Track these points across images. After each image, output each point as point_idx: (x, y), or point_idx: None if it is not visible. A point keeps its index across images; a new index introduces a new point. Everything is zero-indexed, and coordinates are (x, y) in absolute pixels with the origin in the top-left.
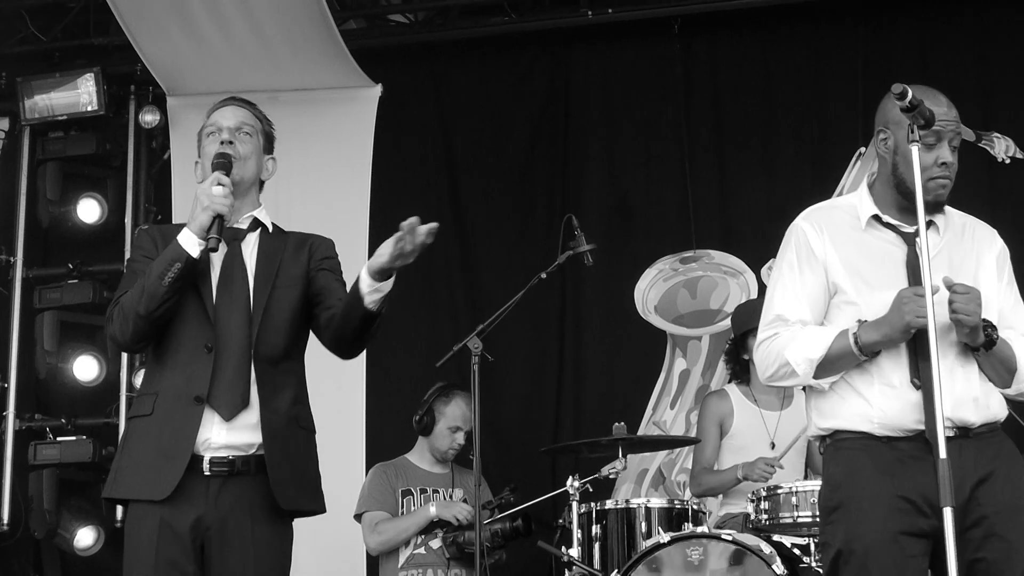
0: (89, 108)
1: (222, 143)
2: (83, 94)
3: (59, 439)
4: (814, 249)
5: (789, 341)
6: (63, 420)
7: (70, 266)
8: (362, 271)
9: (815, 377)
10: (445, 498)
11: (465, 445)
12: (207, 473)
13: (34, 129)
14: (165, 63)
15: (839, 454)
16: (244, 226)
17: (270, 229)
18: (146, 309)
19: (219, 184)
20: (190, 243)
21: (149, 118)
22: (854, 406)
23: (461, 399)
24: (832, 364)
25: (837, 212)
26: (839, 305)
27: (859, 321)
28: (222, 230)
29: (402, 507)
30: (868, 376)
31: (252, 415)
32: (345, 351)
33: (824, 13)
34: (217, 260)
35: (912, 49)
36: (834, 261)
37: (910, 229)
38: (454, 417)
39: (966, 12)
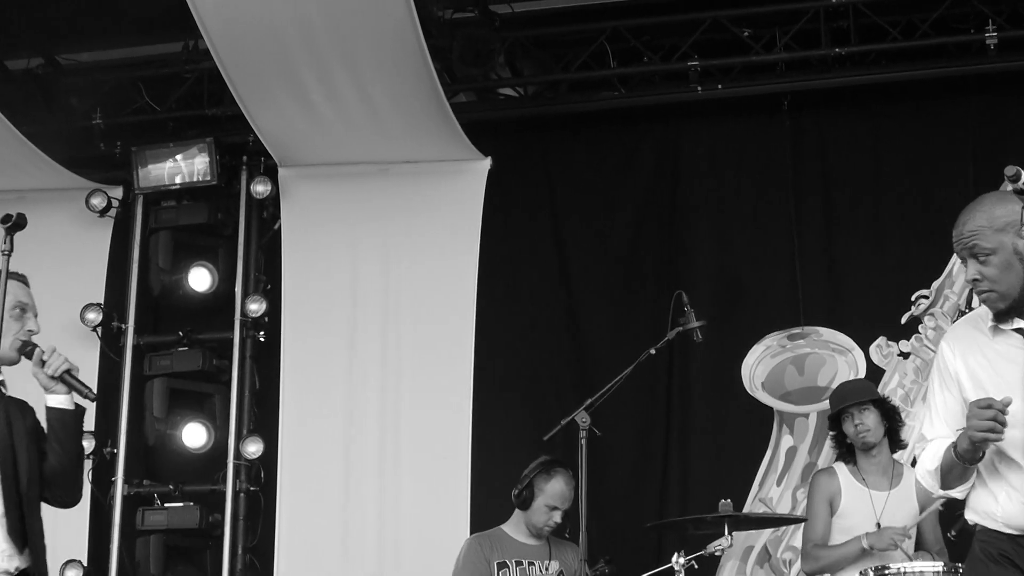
0: (202, 178)
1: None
2: (196, 164)
3: (167, 505)
4: (949, 368)
5: (922, 455)
6: (171, 486)
7: (180, 334)
8: None
9: (943, 487)
10: (541, 571)
11: (562, 523)
12: None
13: (147, 198)
14: (277, 134)
15: (974, 545)
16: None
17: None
18: None
19: None
20: None
21: (261, 188)
22: (986, 503)
23: (562, 477)
24: (948, 473)
25: (971, 325)
26: None
27: (960, 430)
28: None
29: None
30: (998, 476)
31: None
32: None
33: (935, 90)
34: None
35: None
36: (964, 376)
37: None
38: (553, 495)
39: None
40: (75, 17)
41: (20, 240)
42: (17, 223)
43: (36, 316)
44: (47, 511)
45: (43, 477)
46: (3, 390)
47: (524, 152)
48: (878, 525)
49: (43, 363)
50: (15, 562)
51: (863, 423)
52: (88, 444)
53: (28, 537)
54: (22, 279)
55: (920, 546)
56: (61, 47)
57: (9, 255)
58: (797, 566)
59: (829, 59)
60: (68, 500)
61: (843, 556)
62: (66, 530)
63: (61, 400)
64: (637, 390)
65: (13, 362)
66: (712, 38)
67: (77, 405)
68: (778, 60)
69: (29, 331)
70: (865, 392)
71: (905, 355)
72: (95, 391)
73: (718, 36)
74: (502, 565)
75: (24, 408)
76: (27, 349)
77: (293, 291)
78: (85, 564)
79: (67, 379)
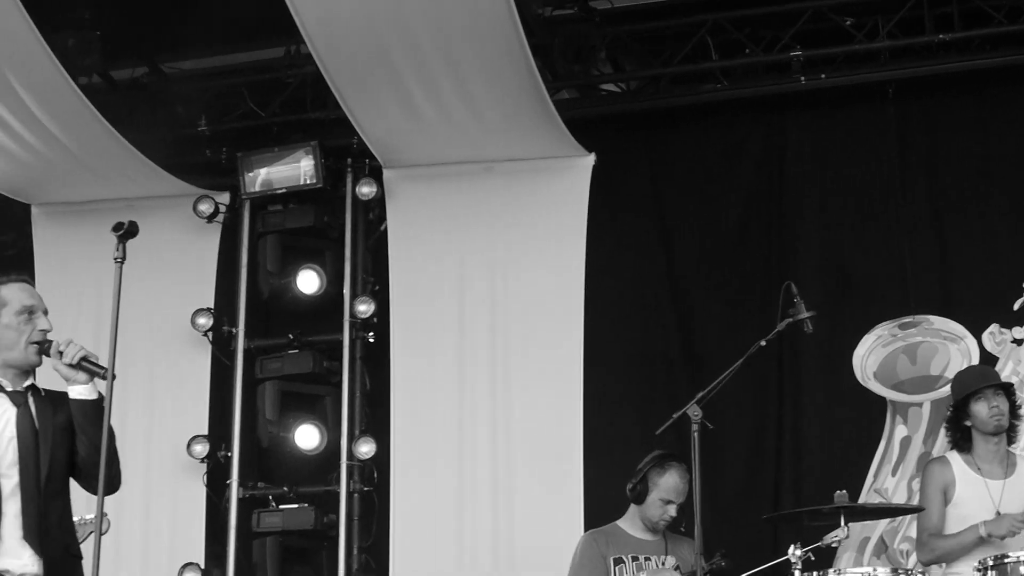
0: (307, 181)
1: None
2: (301, 167)
3: (281, 507)
4: None
5: None
6: (285, 488)
7: (290, 336)
8: None
9: None
10: (657, 565)
11: (677, 517)
12: None
13: (254, 203)
14: (381, 136)
15: None
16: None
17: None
18: None
19: None
20: None
21: (366, 190)
22: None
23: (676, 471)
24: None
25: None
26: None
27: None
28: None
29: (614, 575)
30: None
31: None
32: None
33: None
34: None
35: None
36: None
37: None
38: (667, 489)
39: None
40: (178, 25)
41: (130, 248)
42: (129, 231)
43: (46, 314)
44: (163, 515)
45: (78, 469)
46: (37, 389)
47: (628, 147)
48: (998, 514)
49: (60, 354)
50: (34, 568)
51: (999, 406)
52: (202, 448)
53: (42, 533)
54: (25, 280)
55: None
56: (164, 56)
57: (122, 263)
58: (915, 557)
59: (933, 45)
60: (105, 489)
61: (960, 545)
62: (183, 533)
63: (82, 391)
64: (748, 382)
65: (35, 364)
66: (814, 28)
67: (100, 394)
68: (882, 48)
69: (42, 330)
70: (999, 376)
71: (1018, 342)
72: (114, 371)
73: (820, 26)
74: (618, 560)
75: (60, 403)
76: (44, 346)
77: (400, 291)
78: (203, 567)
79: (85, 365)
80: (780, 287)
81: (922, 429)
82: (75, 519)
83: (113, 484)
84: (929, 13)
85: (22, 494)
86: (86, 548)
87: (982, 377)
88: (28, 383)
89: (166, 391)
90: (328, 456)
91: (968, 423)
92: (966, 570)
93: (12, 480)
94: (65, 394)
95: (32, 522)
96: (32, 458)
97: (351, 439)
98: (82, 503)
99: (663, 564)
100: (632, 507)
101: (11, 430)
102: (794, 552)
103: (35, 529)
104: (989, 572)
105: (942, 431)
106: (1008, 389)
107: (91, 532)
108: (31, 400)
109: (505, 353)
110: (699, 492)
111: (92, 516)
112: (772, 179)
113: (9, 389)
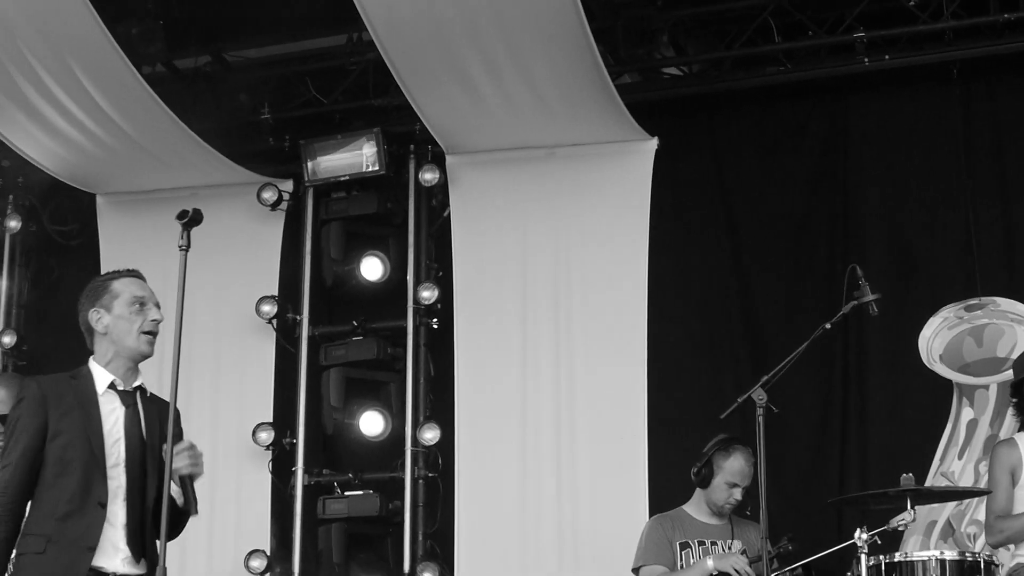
0: (370, 168)
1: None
2: (364, 155)
3: (347, 494)
4: None
5: None
6: (350, 475)
7: (354, 323)
8: None
9: None
10: (723, 550)
11: (742, 500)
12: None
13: (317, 190)
14: (443, 122)
15: None
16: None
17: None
18: None
19: None
20: None
21: (429, 176)
22: None
23: (741, 454)
24: None
25: None
26: None
27: None
28: None
29: (680, 560)
30: None
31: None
32: None
33: None
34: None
35: None
36: None
37: None
38: (732, 472)
39: None
40: (240, 14)
41: (195, 236)
42: (193, 218)
43: (158, 306)
44: (229, 502)
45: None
46: (144, 391)
47: (691, 131)
48: None
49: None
50: (136, 569)
51: None
52: (267, 435)
53: (146, 548)
54: (136, 274)
55: None
56: (228, 44)
57: (186, 251)
58: (982, 540)
59: (998, 25)
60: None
61: None
62: (249, 520)
63: (176, 491)
64: (813, 366)
65: (146, 354)
66: (877, 8)
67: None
68: (946, 28)
69: (154, 320)
70: None
71: None
72: (198, 508)
73: (883, 6)
74: (684, 545)
75: (165, 415)
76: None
77: (464, 277)
78: (268, 553)
79: (185, 482)
80: (845, 270)
81: (989, 411)
82: None
83: (171, 535)
84: None
85: (126, 496)
86: None
87: None
88: (137, 383)
89: (231, 379)
90: (393, 442)
91: None
92: None
93: (115, 481)
94: (167, 404)
95: (135, 527)
96: (138, 463)
97: (415, 425)
98: None
99: (729, 548)
100: (697, 491)
101: (119, 430)
102: (860, 536)
103: (137, 537)
104: None
105: (1009, 413)
106: None
107: None
108: (139, 402)
109: (569, 338)
110: (764, 476)
111: None
112: (836, 161)
113: (120, 388)
